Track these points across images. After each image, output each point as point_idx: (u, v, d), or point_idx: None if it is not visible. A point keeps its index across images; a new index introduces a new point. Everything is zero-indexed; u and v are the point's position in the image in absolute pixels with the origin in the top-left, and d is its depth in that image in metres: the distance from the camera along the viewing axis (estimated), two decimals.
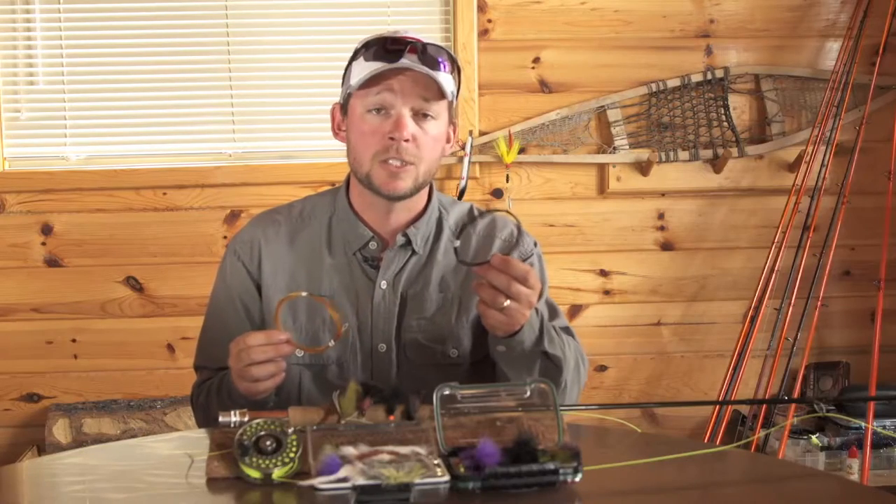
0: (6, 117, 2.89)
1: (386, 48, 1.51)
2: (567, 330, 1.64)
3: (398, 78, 1.52)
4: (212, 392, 1.58)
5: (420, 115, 1.54)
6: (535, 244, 1.70)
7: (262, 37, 2.93)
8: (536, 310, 1.48)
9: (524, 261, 1.62)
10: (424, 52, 1.51)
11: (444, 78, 1.53)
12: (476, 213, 1.71)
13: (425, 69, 1.50)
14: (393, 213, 1.60)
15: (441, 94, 1.54)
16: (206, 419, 1.61)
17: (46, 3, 2.88)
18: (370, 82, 1.52)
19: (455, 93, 1.59)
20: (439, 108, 1.56)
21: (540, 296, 1.61)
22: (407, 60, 1.51)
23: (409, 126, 1.52)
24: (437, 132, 1.57)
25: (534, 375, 1.49)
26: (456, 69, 1.58)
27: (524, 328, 1.45)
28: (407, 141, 1.52)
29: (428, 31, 2.92)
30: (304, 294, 1.49)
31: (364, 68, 1.53)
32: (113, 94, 2.91)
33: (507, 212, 1.59)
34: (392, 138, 1.52)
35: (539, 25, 2.95)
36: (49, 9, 2.88)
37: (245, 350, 1.38)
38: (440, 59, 1.53)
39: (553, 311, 1.66)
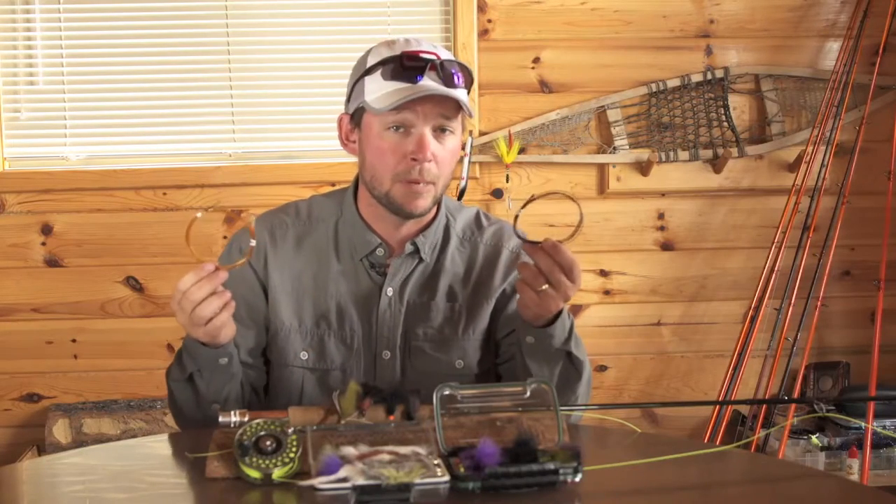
0: (6, 117, 2.89)
1: (403, 65, 1.49)
2: None
3: (420, 100, 1.49)
4: (173, 362, 1.56)
5: (439, 131, 1.52)
6: None
7: (262, 37, 2.93)
8: (569, 313, 1.49)
9: None
10: (442, 68, 1.50)
11: (462, 93, 1.52)
12: (483, 218, 1.69)
13: (447, 91, 1.48)
14: (404, 225, 1.59)
15: (459, 109, 1.52)
16: (167, 389, 1.58)
17: (46, 3, 2.88)
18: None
19: (469, 107, 1.57)
20: (457, 123, 1.55)
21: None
22: (428, 80, 1.49)
23: (431, 145, 1.51)
24: (454, 146, 1.56)
25: (555, 374, 1.50)
26: (469, 80, 1.56)
27: (556, 325, 1.45)
28: (430, 161, 1.51)
29: (428, 31, 2.92)
30: (198, 215, 1.45)
31: (382, 87, 1.50)
32: (113, 94, 2.91)
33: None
34: (414, 159, 1.50)
35: (539, 25, 2.95)
36: (49, 9, 2.88)
37: (184, 297, 1.37)
38: (455, 72, 1.51)
39: None
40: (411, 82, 1.48)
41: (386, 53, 1.52)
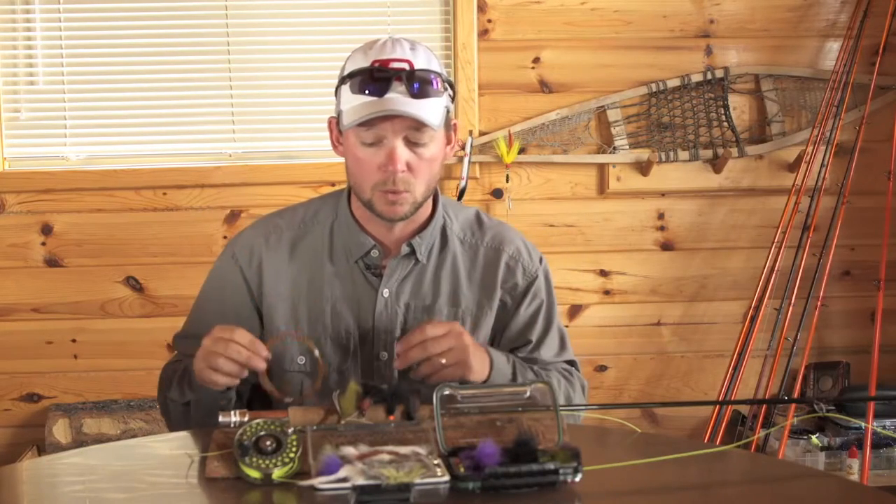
0: (6, 117, 2.89)
1: (373, 76, 1.47)
2: (572, 363, 1.67)
3: (386, 115, 1.47)
4: (175, 375, 1.58)
5: (412, 143, 1.50)
6: (541, 260, 1.68)
7: (262, 37, 2.93)
8: (507, 356, 1.54)
9: (530, 282, 1.64)
10: (412, 77, 1.47)
11: (433, 104, 1.49)
12: (484, 219, 1.68)
13: (412, 111, 1.45)
14: (396, 226, 1.58)
15: (432, 119, 1.49)
16: (160, 394, 1.63)
17: (46, 3, 2.88)
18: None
19: (449, 104, 1.55)
20: (432, 132, 1.51)
21: (548, 317, 1.65)
22: (394, 94, 1.46)
23: (402, 157, 1.49)
24: (432, 153, 1.53)
25: None
26: (447, 84, 1.53)
27: (493, 375, 1.50)
28: (404, 171, 1.50)
29: (428, 31, 2.92)
30: (290, 338, 1.53)
31: (352, 100, 1.49)
32: (113, 94, 2.91)
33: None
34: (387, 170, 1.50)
35: (539, 25, 2.95)
36: (49, 9, 2.88)
37: (226, 341, 1.39)
38: (431, 78, 1.49)
39: (562, 344, 1.67)
40: (377, 96, 1.47)
41: (360, 62, 1.50)
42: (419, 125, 1.49)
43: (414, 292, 1.60)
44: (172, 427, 1.59)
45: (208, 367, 1.40)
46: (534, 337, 1.64)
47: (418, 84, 1.48)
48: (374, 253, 1.59)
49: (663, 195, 3.02)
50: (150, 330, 2.92)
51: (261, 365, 1.40)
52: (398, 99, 1.47)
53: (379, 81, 1.47)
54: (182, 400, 1.53)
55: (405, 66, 1.48)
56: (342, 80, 1.53)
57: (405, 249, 1.59)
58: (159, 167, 2.91)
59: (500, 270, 1.63)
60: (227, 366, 1.39)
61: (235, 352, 1.38)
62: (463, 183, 2.84)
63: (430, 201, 1.60)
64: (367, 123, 1.48)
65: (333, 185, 2.82)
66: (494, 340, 1.64)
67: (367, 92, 1.48)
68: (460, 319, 1.60)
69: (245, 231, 1.68)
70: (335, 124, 1.59)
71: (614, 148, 2.96)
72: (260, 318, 1.63)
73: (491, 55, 2.94)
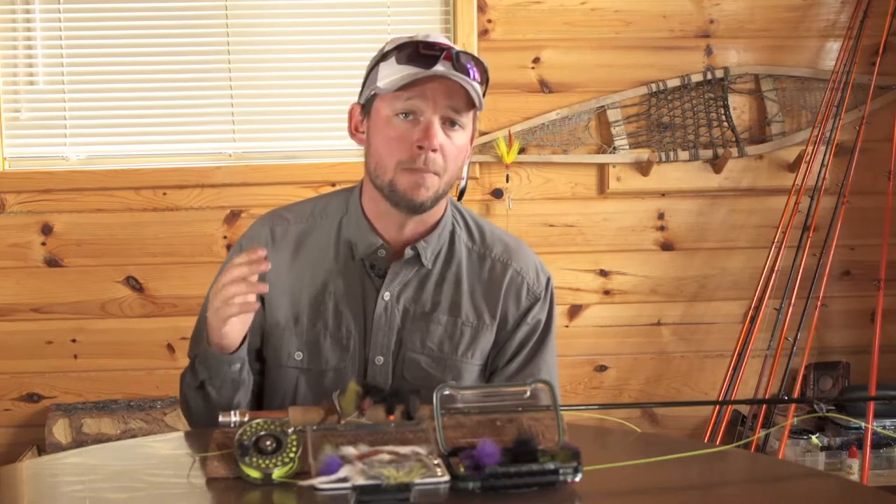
0: (6, 117, 2.89)
1: (420, 52, 1.47)
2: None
3: (431, 85, 1.46)
4: (188, 367, 1.57)
5: (448, 125, 1.49)
6: (548, 284, 1.65)
7: (262, 37, 2.93)
8: None
9: (533, 302, 1.61)
10: (458, 60, 1.47)
11: (476, 87, 1.49)
12: (495, 231, 1.65)
13: (462, 77, 1.45)
14: (406, 226, 1.56)
15: (471, 104, 1.49)
16: (180, 394, 1.60)
17: (46, 3, 2.88)
18: (403, 87, 1.47)
19: (482, 102, 1.54)
20: (467, 118, 1.51)
21: (542, 340, 1.62)
22: (442, 67, 1.46)
23: (439, 135, 1.47)
24: (462, 142, 1.52)
25: None
26: (485, 78, 1.53)
27: None
28: (435, 151, 1.47)
29: (428, 31, 2.91)
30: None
31: (395, 71, 1.48)
32: (113, 94, 2.91)
33: None
34: (420, 147, 1.47)
35: (539, 25, 2.95)
36: (49, 9, 2.88)
37: (226, 272, 1.38)
38: (470, 67, 1.48)
39: (548, 373, 1.63)
40: (425, 67, 1.46)
41: (404, 41, 1.51)
42: (458, 106, 1.48)
43: (415, 298, 1.58)
44: (192, 422, 1.58)
45: (224, 305, 1.38)
46: (521, 359, 1.61)
47: (462, 66, 1.47)
48: (381, 253, 1.57)
49: (663, 195, 3.02)
50: (150, 330, 2.92)
51: (265, 265, 1.37)
52: (447, 72, 1.46)
53: (426, 57, 1.47)
54: (196, 383, 1.50)
55: (452, 50, 1.48)
56: (382, 57, 1.51)
57: (409, 253, 1.56)
58: (159, 167, 2.91)
59: (504, 285, 1.61)
60: (232, 287, 1.36)
61: (239, 269, 1.36)
62: (463, 183, 2.83)
63: (441, 203, 1.57)
64: (411, 89, 1.46)
65: (334, 184, 2.82)
66: (490, 355, 1.62)
67: (414, 64, 1.47)
68: (458, 330, 1.58)
69: (253, 224, 1.67)
70: (358, 111, 1.58)
71: (614, 148, 2.96)
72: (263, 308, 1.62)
73: (491, 55, 2.93)
